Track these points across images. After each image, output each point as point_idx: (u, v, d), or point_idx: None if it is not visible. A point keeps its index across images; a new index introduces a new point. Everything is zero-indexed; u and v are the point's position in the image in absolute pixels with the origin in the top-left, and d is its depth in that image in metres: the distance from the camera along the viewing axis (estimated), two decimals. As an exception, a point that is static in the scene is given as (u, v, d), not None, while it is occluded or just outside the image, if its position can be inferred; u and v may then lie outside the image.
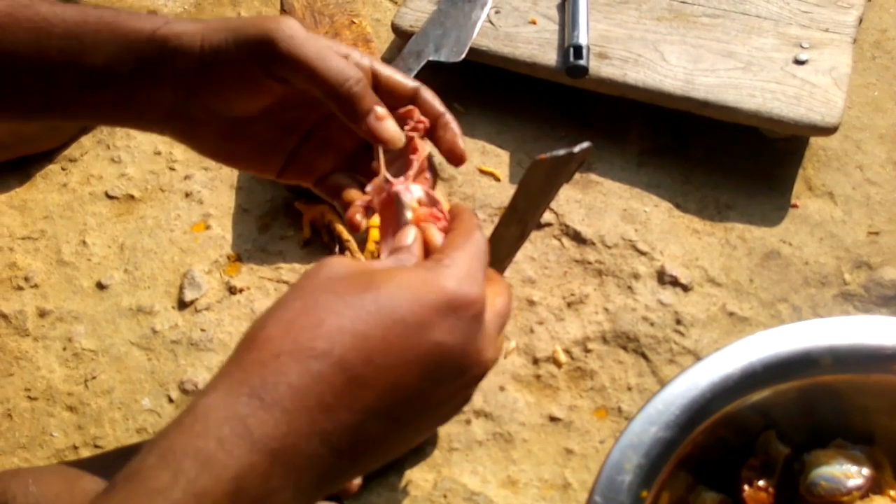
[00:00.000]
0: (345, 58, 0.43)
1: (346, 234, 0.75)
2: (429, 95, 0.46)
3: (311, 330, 0.31)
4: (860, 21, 0.82)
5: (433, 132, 0.46)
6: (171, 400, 0.68)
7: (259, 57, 0.41)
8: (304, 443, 0.30)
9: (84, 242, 0.78)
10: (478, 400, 0.67)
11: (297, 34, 0.41)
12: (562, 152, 0.45)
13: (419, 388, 0.33)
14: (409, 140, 0.45)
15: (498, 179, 0.80)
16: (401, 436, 0.34)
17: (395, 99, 0.45)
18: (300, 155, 0.48)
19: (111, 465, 0.53)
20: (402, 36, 0.85)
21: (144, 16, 0.44)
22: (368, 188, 0.45)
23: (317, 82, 0.41)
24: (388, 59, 0.87)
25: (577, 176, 0.78)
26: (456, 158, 0.46)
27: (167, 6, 0.97)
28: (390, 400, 0.32)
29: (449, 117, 0.46)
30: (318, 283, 0.33)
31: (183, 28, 0.43)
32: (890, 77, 0.86)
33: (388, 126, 0.43)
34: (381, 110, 0.43)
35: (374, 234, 0.74)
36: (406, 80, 0.46)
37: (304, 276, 0.34)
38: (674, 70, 0.78)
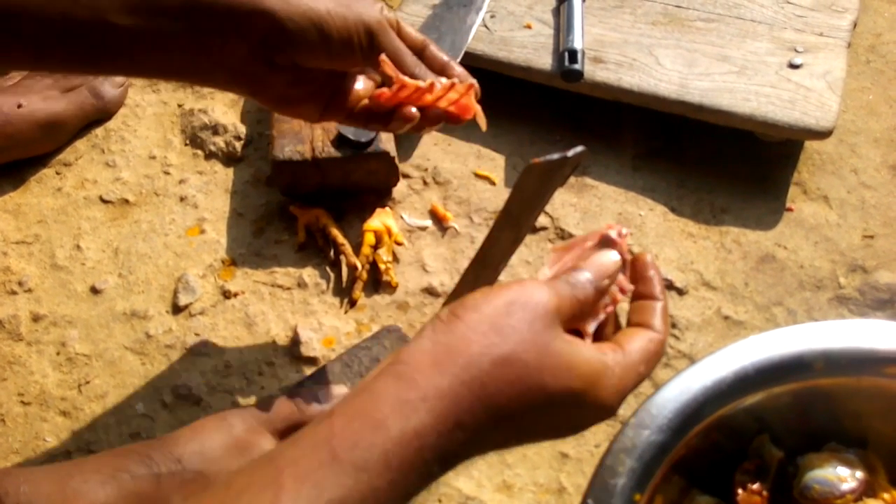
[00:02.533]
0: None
1: (340, 239, 0.75)
2: (434, 48, 0.55)
3: (483, 356, 0.36)
4: (854, 25, 0.83)
5: (444, 73, 0.54)
6: (164, 405, 0.68)
7: (360, 44, 0.50)
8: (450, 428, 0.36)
9: (78, 247, 0.78)
10: (472, 404, 0.67)
11: (388, 28, 0.51)
12: (556, 156, 0.45)
13: (537, 439, 0.40)
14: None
15: (493, 183, 0.80)
16: (496, 438, 0.39)
17: (410, 48, 0.53)
18: (345, 93, 0.55)
19: (104, 466, 0.53)
20: (397, 40, 0.85)
21: None
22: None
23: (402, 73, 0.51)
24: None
25: (571, 180, 0.78)
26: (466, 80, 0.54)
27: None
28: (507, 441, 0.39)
29: (453, 62, 0.55)
30: (531, 331, 0.37)
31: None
32: (884, 81, 0.86)
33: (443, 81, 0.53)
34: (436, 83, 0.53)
35: (370, 237, 0.74)
36: (416, 34, 0.54)
37: (519, 305, 0.38)
38: (668, 74, 0.78)
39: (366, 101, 0.55)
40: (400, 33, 0.53)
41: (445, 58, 0.55)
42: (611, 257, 0.42)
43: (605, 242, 0.43)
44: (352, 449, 0.33)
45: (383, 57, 0.51)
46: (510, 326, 0.37)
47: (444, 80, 0.53)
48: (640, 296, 0.43)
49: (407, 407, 0.35)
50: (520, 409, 0.36)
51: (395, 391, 0.35)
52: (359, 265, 0.73)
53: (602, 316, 0.41)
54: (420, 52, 0.54)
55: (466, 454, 0.37)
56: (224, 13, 0.47)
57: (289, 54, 0.49)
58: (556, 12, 0.84)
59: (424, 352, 0.36)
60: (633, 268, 0.44)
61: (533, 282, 0.39)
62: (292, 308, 0.73)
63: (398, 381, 0.36)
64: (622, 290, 0.43)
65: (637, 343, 0.41)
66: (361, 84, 0.56)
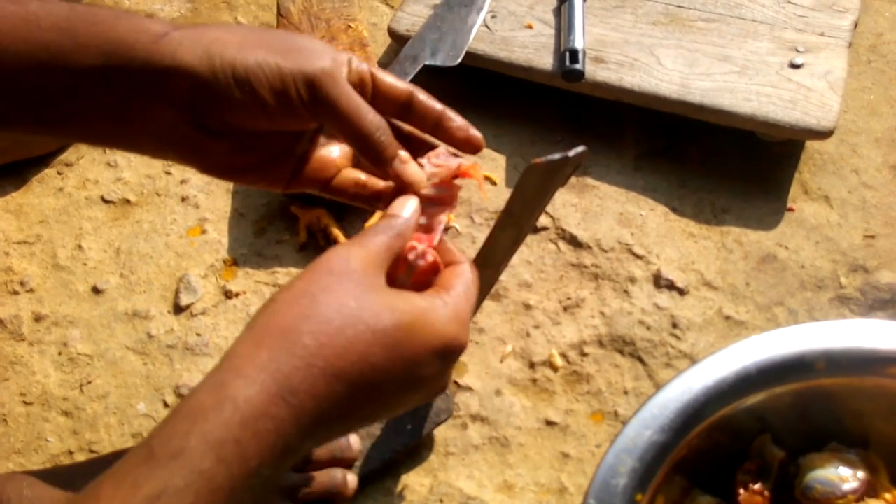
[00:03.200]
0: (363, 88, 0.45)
1: (342, 238, 0.75)
2: (423, 96, 0.47)
3: (340, 350, 0.36)
4: (855, 25, 0.83)
5: (439, 127, 0.47)
6: (166, 405, 0.68)
7: (301, 97, 0.42)
8: (301, 440, 0.35)
9: (80, 247, 0.78)
10: (474, 404, 0.67)
11: (339, 79, 0.43)
12: (557, 156, 0.45)
13: (393, 402, 0.40)
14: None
15: (494, 183, 0.80)
16: (360, 405, 0.39)
17: (390, 103, 0.46)
18: (308, 160, 0.48)
19: (106, 468, 0.53)
20: (398, 40, 0.85)
21: (145, 20, 0.42)
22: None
23: (350, 131, 0.44)
24: (385, 63, 0.87)
25: (572, 180, 0.78)
26: (474, 145, 0.48)
27: (163, 10, 0.97)
28: (369, 408, 0.39)
29: (450, 112, 0.47)
30: (347, 287, 0.37)
31: (191, 45, 0.41)
32: (885, 81, 0.86)
33: (411, 169, 0.45)
34: (404, 154, 0.45)
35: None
36: (399, 84, 0.46)
37: (330, 273, 0.38)
38: (669, 74, 0.78)
39: (348, 175, 0.49)
40: (376, 85, 0.45)
41: (438, 107, 0.47)
42: (409, 200, 0.44)
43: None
44: (167, 442, 0.32)
45: (397, 167, 0.45)
46: (321, 290, 0.37)
47: (433, 161, 0.46)
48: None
49: (223, 388, 0.34)
50: (356, 361, 0.36)
51: (212, 379, 0.35)
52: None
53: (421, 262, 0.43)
54: (406, 105, 0.46)
55: (323, 423, 0.36)
56: (141, 73, 0.41)
57: (218, 116, 0.42)
58: (557, 12, 0.84)
59: (243, 339, 0.36)
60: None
61: (338, 246, 0.40)
62: (294, 308, 0.73)
63: (216, 372, 0.35)
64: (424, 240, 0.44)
65: (456, 279, 0.41)
66: (337, 151, 0.49)
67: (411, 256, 0.42)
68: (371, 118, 0.43)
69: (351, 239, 0.41)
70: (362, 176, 0.49)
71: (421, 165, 0.46)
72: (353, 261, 0.39)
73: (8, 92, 0.42)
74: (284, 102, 0.42)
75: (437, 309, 0.39)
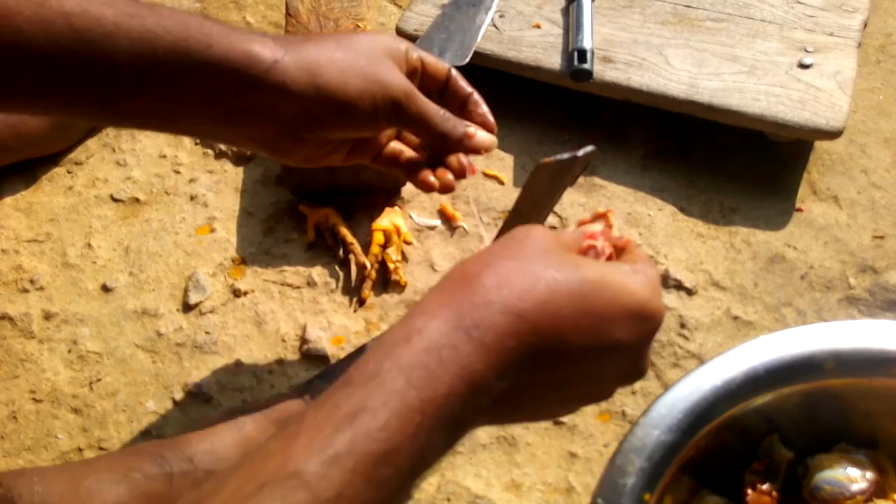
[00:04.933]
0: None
1: (349, 238, 0.75)
2: (457, 75, 0.56)
3: (521, 292, 0.36)
4: (865, 25, 0.82)
5: (465, 108, 0.56)
6: (175, 402, 0.69)
7: (387, 115, 0.51)
8: (493, 378, 0.35)
9: (89, 245, 0.78)
10: (481, 403, 0.67)
11: (414, 95, 0.51)
12: (566, 156, 0.45)
13: (590, 369, 0.38)
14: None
15: (502, 183, 0.80)
16: (559, 401, 0.40)
17: (434, 82, 0.55)
18: (355, 147, 0.56)
19: (116, 465, 0.53)
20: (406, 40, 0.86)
21: (255, 44, 0.47)
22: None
23: (430, 134, 0.53)
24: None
25: (580, 179, 0.78)
26: (488, 128, 0.56)
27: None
28: (563, 370, 0.37)
29: (477, 96, 0.56)
30: (532, 249, 0.38)
31: (298, 73, 0.48)
32: (895, 81, 0.86)
33: (481, 137, 0.55)
34: (471, 129, 0.54)
35: (378, 237, 0.74)
36: (440, 64, 0.55)
37: (514, 239, 0.39)
38: (678, 74, 0.78)
39: (393, 146, 0.57)
40: (424, 70, 0.54)
41: (468, 89, 0.56)
42: (595, 226, 0.45)
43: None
44: (363, 367, 0.34)
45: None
46: (505, 247, 0.38)
47: (472, 129, 0.55)
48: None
49: (410, 322, 0.35)
50: (539, 304, 0.35)
51: (404, 319, 0.36)
52: (368, 264, 0.73)
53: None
54: (443, 83, 0.55)
55: (513, 366, 0.35)
56: (253, 97, 0.48)
57: (316, 130, 0.51)
58: (566, 12, 0.84)
59: (432, 288, 0.37)
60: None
61: (526, 226, 0.40)
62: (302, 307, 0.73)
63: (407, 315, 0.36)
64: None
65: (641, 258, 0.41)
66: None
67: (598, 244, 0.42)
68: (440, 117, 0.52)
69: None
70: (403, 147, 0.57)
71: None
72: (537, 231, 0.39)
73: (110, 82, 0.46)
74: (374, 120, 0.51)
75: (628, 272, 0.38)
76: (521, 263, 0.37)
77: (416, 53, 0.54)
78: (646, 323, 0.38)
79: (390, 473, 0.32)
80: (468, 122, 0.54)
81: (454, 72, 0.56)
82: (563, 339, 0.36)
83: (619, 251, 0.43)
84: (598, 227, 0.43)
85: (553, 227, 0.76)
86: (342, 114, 0.50)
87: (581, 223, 0.45)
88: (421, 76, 0.54)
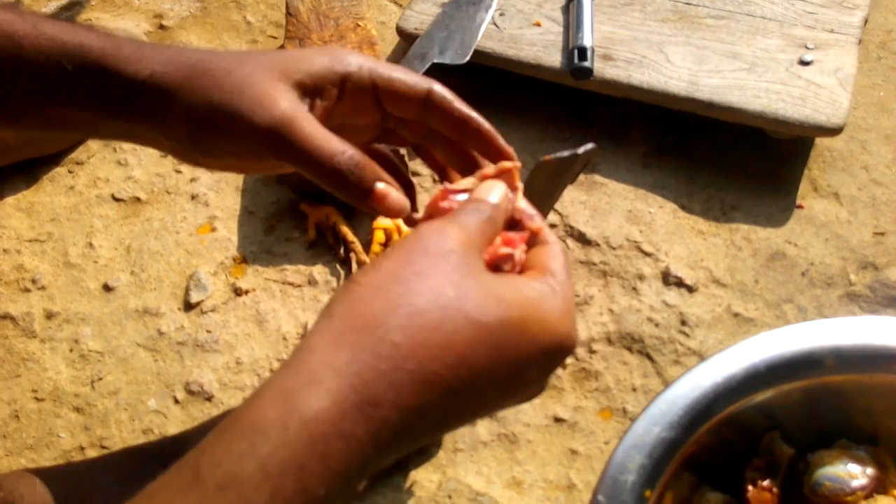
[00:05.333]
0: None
1: (350, 236, 0.75)
2: (445, 95, 0.41)
3: (436, 350, 0.30)
4: (865, 22, 0.82)
5: (465, 135, 0.42)
6: (176, 401, 0.69)
7: (271, 148, 0.39)
8: (387, 454, 0.30)
9: (91, 245, 0.79)
10: (482, 401, 0.67)
11: (293, 123, 0.38)
12: (566, 153, 0.45)
13: (494, 404, 0.34)
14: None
15: (502, 181, 0.80)
16: (452, 426, 0.35)
17: (405, 105, 0.41)
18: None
19: (118, 465, 0.53)
20: (406, 38, 0.86)
21: (132, 57, 0.40)
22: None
23: (318, 176, 0.39)
24: (393, 61, 0.87)
25: (581, 177, 0.78)
26: (506, 157, 0.43)
27: (173, 10, 0.97)
28: (469, 412, 0.33)
29: (479, 120, 0.42)
30: (445, 271, 0.32)
31: (173, 79, 0.39)
32: (895, 78, 0.86)
33: (393, 200, 0.40)
34: (380, 187, 0.39)
35: (379, 235, 0.74)
36: (413, 83, 0.41)
37: (424, 253, 0.32)
38: (678, 71, 0.78)
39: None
40: (382, 90, 0.41)
41: (465, 111, 0.42)
42: (496, 185, 0.39)
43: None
44: (217, 465, 0.28)
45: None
46: (414, 274, 0.31)
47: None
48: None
49: (290, 399, 0.28)
50: (454, 364, 0.30)
51: (280, 383, 0.29)
52: (369, 262, 0.73)
53: (517, 251, 0.37)
54: (421, 105, 0.42)
55: (406, 438, 0.30)
56: (138, 105, 0.41)
57: (211, 147, 0.41)
58: (566, 10, 0.84)
59: (319, 332, 0.31)
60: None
61: (430, 224, 0.34)
62: (303, 305, 0.73)
63: (285, 373, 0.30)
64: (520, 223, 0.39)
65: (555, 260, 0.36)
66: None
67: (506, 267, 0.36)
68: (328, 153, 0.39)
69: (442, 217, 0.36)
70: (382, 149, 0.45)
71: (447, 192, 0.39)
72: (450, 240, 0.33)
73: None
74: (256, 157, 0.40)
75: (548, 300, 0.33)
76: (435, 302, 0.31)
77: (368, 69, 0.41)
78: (560, 356, 0.34)
79: None
80: (382, 178, 0.39)
81: (438, 90, 0.41)
82: (474, 394, 0.32)
83: (530, 240, 0.38)
84: (515, 234, 0.38)
85: (553, 226, 0.76)
86: (208, 152, 0.40)
87: (483, 177, 0.39)
88: (382, 100, 0.42)
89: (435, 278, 0.31)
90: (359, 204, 0.40)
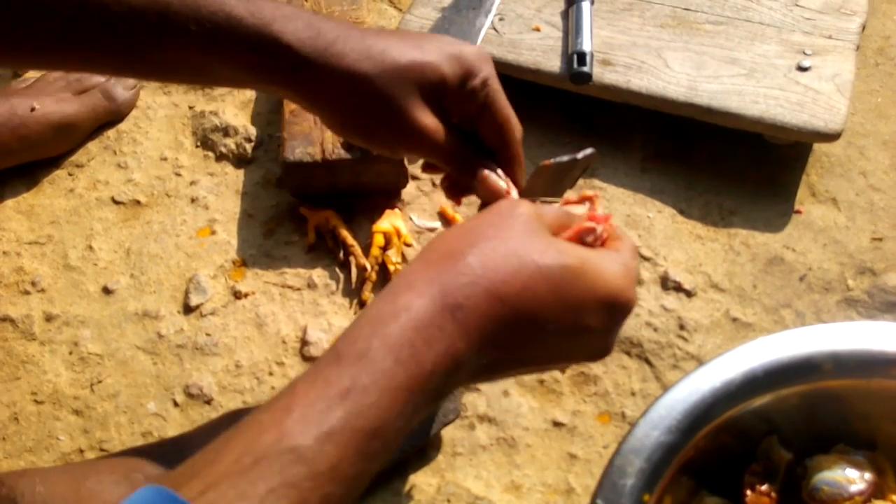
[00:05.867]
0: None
1: (350, 240, 0.75)
2: (519, 151, 0.51)
3: (504, 276, 0.37)
4: (863, 28, 0.83)
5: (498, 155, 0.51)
6: (176, 404, 0.69)
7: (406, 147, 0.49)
8: (473, 357, 0.36)
9: (90, 247, 0.79)
10: (481, 405, 0.67)
11: (434, 150, 0.48)
12: (566, 158, 0.45)
13: (560, 348, 0.40)
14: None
15: (502, 185, 0.80)
16: (529, 370, 0.42)
17: (492, 131, 0.50)
18: None
19: (118, 466, 0.53)
20: (406, 43, 0.86)
21: (278, 48, 0.45)
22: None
23: (438, 157, 0.49)
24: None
25: (580, 182, 0.79)
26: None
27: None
28: (536, 348, 0.39)
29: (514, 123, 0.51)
30: (516, 229, 0.38)
31: (312, 49, 0.45)
32: (893, 84, 0.86)
33: (493, 179, 0.49)
34: (485, 171, 0.49)
35: (379, 239, 0.74)
36: (516, 124, 0.51)
37: (500, 215, 0.39)
38: (677, 77, 0.78)
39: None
40: (488, 107, 0.50)
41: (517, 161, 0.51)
42: (578, 208, 0.45)
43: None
44: (352, 344, 0.35)
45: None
46: (491, 226, 0.38)
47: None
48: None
49: (398, 298, 0.36)
50: (520, 290, 0.37)
51: (390, 290, 0.37)
52: (368, 266, 0.73)
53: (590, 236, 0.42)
54: (504, 145, 0.51)
55: (489, 344, 0.36)
56: (272, 87, 0.47)
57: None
58: (565, 15, 0.84)
59: (416, 260, 0.38)
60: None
61: (510, 199, 0.41)
62: (302, 308, 0.73)
63: (393, 285, 0.37)
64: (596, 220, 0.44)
65: (625, 245, 0.42)
66: None
67: (589, 239, 0.41)
68: (455, 146, 0.48)
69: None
70: None
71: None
72: (522, 207, 0.40)
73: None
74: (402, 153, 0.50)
75: (607, 261, 0.39)
76: (506, 244, 0.37)
77: (485, 80, 0.49)
78: (617, 311, 0.40)
79: (380, 446, 0.33)
80: (488, 165, 0.50)
81: (517, 145, 0.51)
82: (538, 323, 0.37)
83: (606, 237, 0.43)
84: (601, 215, 0.43)
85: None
86: (354, 142, 0.50)
87: (566, 203, 0.45)
88: (479, 119, 0.50)
89: (506, 230, 0.38)
90: (468, 180, 0.49)
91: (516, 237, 0.38)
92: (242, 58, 0.45)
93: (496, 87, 0.49)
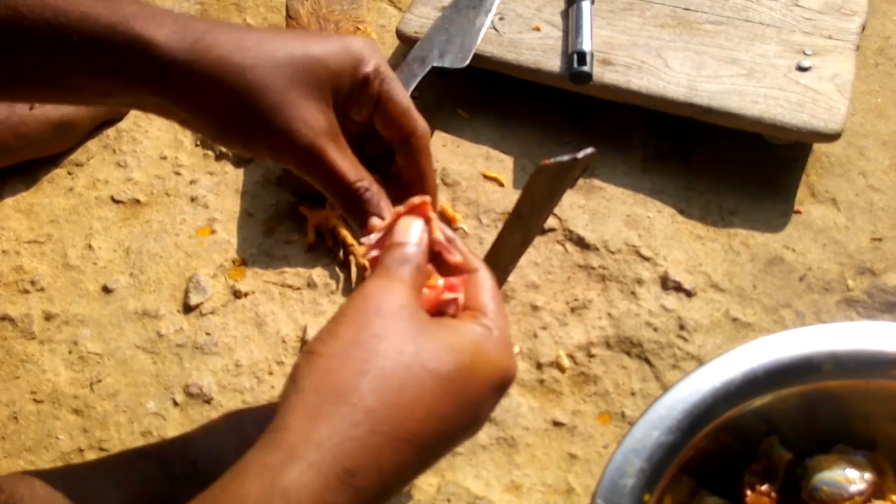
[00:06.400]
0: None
1: (350, 239, 0.75)
2: (422, 146, 0.44)
3: (406, 410, 0.32)
4: (863, 28, 0.83)
5: (408, 183, 0.45)
6: (175, 403, 0.69)
7: (295, 165, 0.41)
8: None
9: (90, 246, 0.79)
10: (481, 404, 0.67)
11: (319, 154, 0.40)
12: (566, 158, 0.45)
13: (452, 444, 0.36)
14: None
15: (502, 185, 0.80)
16: (424, 463, 0.36)
17: (389, 127, 0.44)
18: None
19: (118, 467, 0.53)
20: (406, 42, 0.86)
21: (146, 44, 0.39)
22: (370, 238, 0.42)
23: (327, 188, 0.42)
24: (394, 65, 0.88)
25: (580, 181, 0.79)
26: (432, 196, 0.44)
27: (173, 10, 0.97)
28: (436, 452, 0.35)
29: (431, 184, 0.45)
30: (402, 331, 0.34)
31: (187, 80, 0.39)
32: (893, 84, 0.86)
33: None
34: (375, 221, 0.42)
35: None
36: (410, 118, 0.43)
37: (379, 314, 0.34)
38: (677, 76, 0.78)
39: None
40: (385, 107, 0.43)
41: (426, 170, 0.45)
42: (412, 222, 0.40)
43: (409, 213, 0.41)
44: None
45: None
46: (374, 337, 0.33)
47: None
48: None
49: (272, 475, 0.30)
50: (424, 418, 0.32)
51: (260, 458, 0.31)
52: (368, 266, 0.73)
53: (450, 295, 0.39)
54: (404, 141, 0.44)
55: (385, 493, 0.32)
56: (138, 94, 0.41)
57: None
58: (565, 14, 0.84)
59: (294, 407, 0.32)
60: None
61: (371, 283, 0.36)
62: (302, 308, 0.73)
63: (265, 448, 0.31)
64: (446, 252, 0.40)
65: (485, 295, 0.38)
66: None
67: (450, 311, 0.38)
68: (352, 187, 0.41)
69: (377, 271, 0.37)
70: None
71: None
72: (398, 297, 0.35)
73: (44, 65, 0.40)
74: (279, 162, 0.42)
75: (489, 339, 0.36)
76: (398, 360, 0.32)
77: (374, 83, 0.42)
78: (505, 389, 0.37)
79: None
80: (381, 213, 0.43)
81: (421, 139, 0.44)
82: (444, 438, 0.34)
83: (452, 269, 0.40)
84: (455, 278, 0.39)
85: (552, 230, 0.76)
86: (230, 145, 0.43)
87: (396, 215, 0.41)
88: (377, 112, 0.43)
89: (393, 338, 0.33)
90: (360, 226, 0.43)
91: (407, 346, 0.33)
92: (101, 60, 0.39)
93: (390, 75, 0.42)
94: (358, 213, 0.42)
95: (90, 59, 0.39)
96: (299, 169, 0.41)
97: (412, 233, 0.39)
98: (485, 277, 0.39)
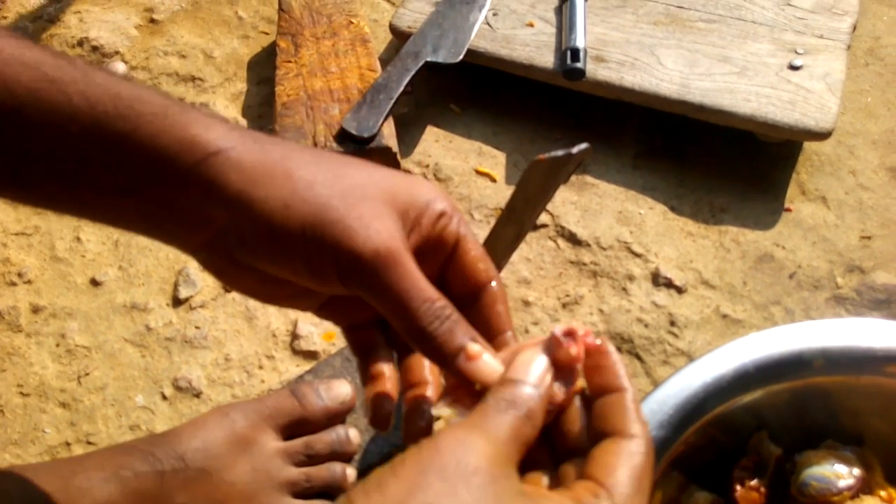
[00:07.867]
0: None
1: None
2: (498, 297, 0.37)
3: None
4: (854, 28, 0.83)
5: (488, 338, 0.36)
6: (164, 397, 0.68)
7: (344, 275, 0.34)
8: None
9: (78, 239, 0.78)
10: (472, 399, 0.67)
11: (395, 260, 0.33)
12: (560, 153, 0.45)
13: None
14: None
15: (494, 180, 0.80)
16: None
17: (461, 278, 0.37)
18: (335, 300, 0.39)
19: (107, 462, 0.53)
20: (399, 37, 0.86)
21: (199, 124, 0.35)
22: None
23: (403, 325, 0.33)
24: (386, 59, 0.87)
25: (572, 178, 0.79)
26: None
27: (164, 4, 0.97)
28: None
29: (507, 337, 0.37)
30: (451, 473, 0.27)
31: (238, 177, 0.34)
32: (883, 84, 0.87)
33: (486, 364, 0.33)
34: (474, 347, 0.33)
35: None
36: (487, 267, 0.37)
37: (433, 448, 0.27)
38: (670, 74, 0.78)
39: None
40: (456, 251, 0.36)
41: (503, 318, 0.37)
42: (536, 358, 0.32)
43: (549, 346, 0.32)
44: None
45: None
46: None
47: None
48: (599, 390, 0.32)
49: None
50: None
51: None
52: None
53: None
54: (478, 288, 0.37)
55: None
56: (173, 192, 0.36)
57: (249, 259, 0.36)
58: (559, 11, 0.84)
59: None
60: (587, 359, 0.32)
61: (450, 432, 0.28)
62: (293, 302, 0.73)
63: None
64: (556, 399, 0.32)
65: (621, 471, 0.29)
66: None
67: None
68: (426, 306, 0.33)
69: (467, 419, 0.29)
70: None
71: None
72: (474, 456, 0.27)
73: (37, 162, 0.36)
74: (322, 274, 0.34)
75: None
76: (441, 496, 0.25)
77: (457, 223, 0.36)
78: None
79: None
80: (476, 336, 0.34)
81: (496, 287, 0.37)
82: None
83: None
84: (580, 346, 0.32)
85: (544, 226, 0.76)
86: (275, 246, 0.34)
87: (520, 349, 0.33)
88: (449, 262, 0.37)
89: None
90: (441, 363, 0.33)
91: None
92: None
93: (464, 217, 0.38)
94: (433, 340, 0.33)
95: (125, 168, 0.35)
96: (359, 280, 0.33)
97: (532, 370, 0.31)
98: (636, 447, 0.30)
